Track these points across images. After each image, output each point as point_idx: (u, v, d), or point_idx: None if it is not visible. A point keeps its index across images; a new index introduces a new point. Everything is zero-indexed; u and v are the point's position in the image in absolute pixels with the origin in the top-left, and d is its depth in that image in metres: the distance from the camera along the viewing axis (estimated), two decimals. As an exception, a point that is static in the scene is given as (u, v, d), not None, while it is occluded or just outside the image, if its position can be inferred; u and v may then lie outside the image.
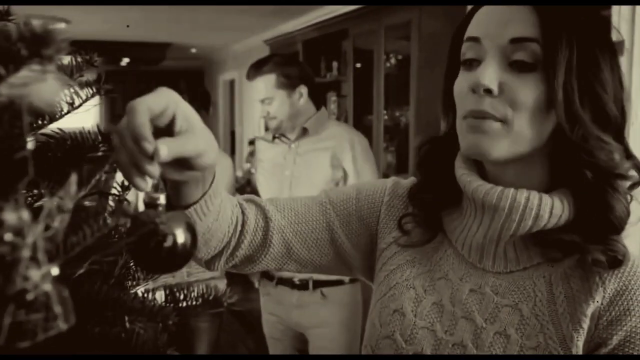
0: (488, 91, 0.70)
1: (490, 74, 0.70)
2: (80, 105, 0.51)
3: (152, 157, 0.51)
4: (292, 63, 2.22)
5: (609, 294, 0.70)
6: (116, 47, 7.45)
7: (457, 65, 0.76)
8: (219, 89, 8.53)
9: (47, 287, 0.28)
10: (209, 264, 0.83)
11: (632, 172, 0.73)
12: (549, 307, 0.72)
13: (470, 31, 0.74)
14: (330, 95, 4.67)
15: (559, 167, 0.75)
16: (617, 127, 0.73)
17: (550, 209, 0.72)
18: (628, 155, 0.74)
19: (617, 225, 0.71)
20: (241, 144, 7.94)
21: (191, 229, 0.51)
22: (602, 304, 0.70)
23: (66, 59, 0.54)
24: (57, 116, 0.49)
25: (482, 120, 0.71)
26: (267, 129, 2.37)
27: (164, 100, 0.55)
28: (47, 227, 0.28)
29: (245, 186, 6.36)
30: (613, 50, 0.72)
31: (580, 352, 0.70)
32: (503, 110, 0.70)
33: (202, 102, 2.35)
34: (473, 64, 0.73)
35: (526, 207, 0.72)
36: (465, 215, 0.80)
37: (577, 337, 0.70)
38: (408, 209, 0.87)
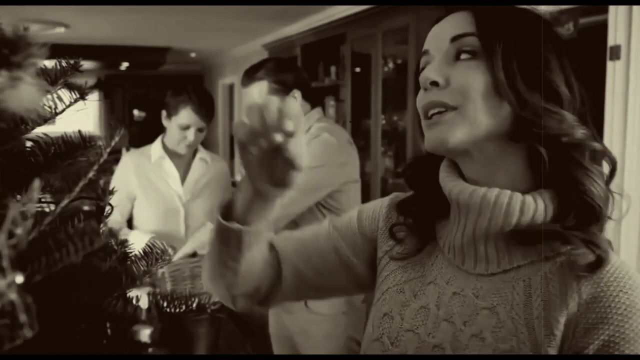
0: (435, 83, 0.75)
1: (434, 69, 0.76)
2: (63, 110, 0.51)
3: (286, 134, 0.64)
4: (285, 68, 2.21)
5: (585, 299, 0.69)
6: (116, 51, 7.46)
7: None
8: (218, 93, 8.53)
9: (12, 295, 0.27)
10: (236, 303, 0.93)
11: (593, 143, 0.74)
12: (526, 310, 0.72)
13: (423, 47, 0.82)
14: (328, 99, 4.67)
15: (535, 162, 0.76)
16: (573, 106, 0.75)
17: (521, 206, 0.73)
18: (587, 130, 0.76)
19: (596, 207, 0.72)
20: (240, 148, 7.94)
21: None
22: (578, 310, 0.69)
23: (50, 64, 0.53)
24: (39, 122, 0.49)
25: (437, 116, 0.75)
26: None
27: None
28: (11, 235, 0.28)
29: (244, 190, 6.36)
30: (557, 39, 0.77)
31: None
32: (454, 98, 0.74)
33: (208, 108, 2.34)
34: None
35: (496, 204, 0.74)
36: (451, 218, 0.82)
37: (547, 343, 0.69)
38: (400, 220, 0.90)
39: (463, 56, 0.75)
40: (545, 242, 0.73)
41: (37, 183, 0.31)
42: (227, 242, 0.81)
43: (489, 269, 0.77)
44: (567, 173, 0.73)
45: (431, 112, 0.76)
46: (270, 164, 0.71)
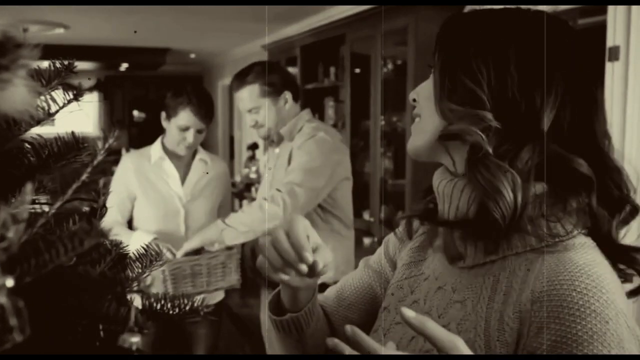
0: (414, 100, 0.85)
1: (416, 87, 0.85)
2: (57, 112, 0.51)
3: (307, 265, 0.71)
4: (273, 70, 2.27)
5: (537, 296, 0.67)
6: (115, 52, 7.47)
7: None
8: (218, 94, 8.53)
9: (2, 299, 0.27)
10: None
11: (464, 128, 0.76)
12: (489, 304, 0.73)
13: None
14: (327, 100, 4.67)
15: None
16: (499, 106, 0.74)
17: (460, 191, 0.76)
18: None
19: (501, 209, 0.70)
20: (240, 148, 7.94)
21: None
22: (531, 307, 0.67)
23: (45, 65, 0.53)
24: (32, 123, 0.49)
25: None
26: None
27: (307, 222, 0.75)
28: (2, 238, 0.28)
29: (243, 191, 6.36)
30: (481, 49, 0.76)
31: (497, 352, 0.69)
32: (417, 110, 0.84)
33: (208, 109, 2.34)
34: None
35: (462, 192, 0.76)
36: None
37: (497, 336, 0.69)
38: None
39: (430, 68, 0.83)
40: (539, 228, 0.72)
41: (29, 187, 0.30)
42: (289, 331, 0.89)
43: (466, 262, 0.79)
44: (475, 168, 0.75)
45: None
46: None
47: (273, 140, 2.30)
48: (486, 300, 0.74)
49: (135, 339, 0.46)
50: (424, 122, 0.82)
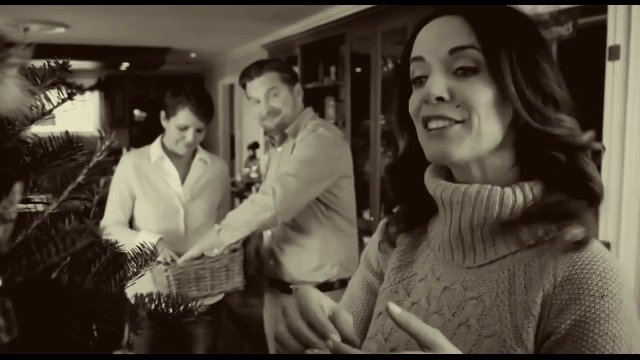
0: (440, 99, 0.76)
1: (438, 84, 0.76)
2: (51, 111, 0.51)
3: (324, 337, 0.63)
4: (283, 63, 2.30)
5: (560, 281, 0.72)
6: (116, 52, 7.47)
7: (407, 86, 0.83)
8: (218, 94, 8.53)
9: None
10: None
11: (594, 143, 0.78)
12: (510, 297, 0.75)
13: (415, 52, 0.81)
14: (328, 100, 4.66)
15: (525, 156, 0.80)
16: (569, 108, 0.78)
17: (501, 199, 0.77)
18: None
19: (599, 192, 0.77)
20: (240, 148, 7.94)
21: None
22: (553, 292, 0.72)
23: (39, 64, 0.53)
24: (26, 123, 0.48)
25: (442, 130, 0.77)
26: (265, 133, 2.38)
27: (316, 292, 0.68)
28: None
29: (244, 190, 6.36)
30: (544, 42, 0.79)
31: (532, 340, 0.72)
32: (459, 113, 0.76)
33: (207, 109, 2.34)
34: (422, 80, 0.79)
35: (477, 199, 0.77)
36: (440, 217, 0.86)
37: (527, 324, 0.72)
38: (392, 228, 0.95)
39: (464, 70, 0.76)
40: (541, 225, 0.76)
41: (18, 187, 0.30)
42: None
43: (477, 261, 0.80)
44: (576, 167, 0.77)
45: (434, 124, 0.77)
46: None
47: (274, 138, 2.28)
48: (506, 294, 0.75)
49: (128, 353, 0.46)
50: (474, 126, 0.75)
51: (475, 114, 0.75)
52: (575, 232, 0.73)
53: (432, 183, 0.82)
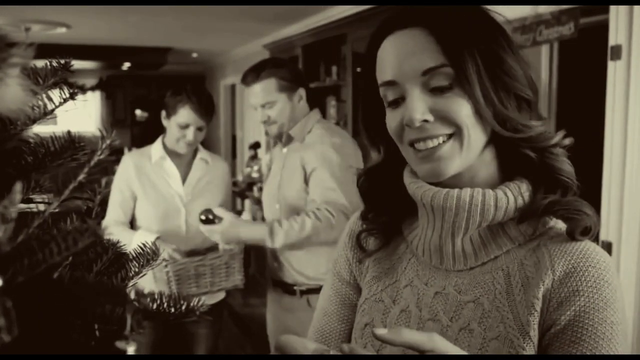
0: (425, 121, 0.75)
1: (419, 107, 0.74)
2: (52, 111, 0.51)
3: None
4: (287, 66, 2.21)
5: (558, 275, 0.74)
6: (117, 52, 7.47)
7: (375, 99, 0.81)
8: (220, 93, 8.53)
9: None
10: None
11: (563, 140, 0.79)
12: (508, 297, 0.76)
13: (384, 74, 0.78)
14: (329, 99, 4.67)
15: (505, 158, 0.80)
16: (535, 99, 0.79)
17: (495, 202, 0.76)
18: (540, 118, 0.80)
19: (568, 182, 0.78)
20: (242, 148, 7.94)
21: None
22: (552, 286, 0.73)
23: (40, 64, 0.53)
24: (27, 122, 0.48)
25: (432, 150, 0.75)
26: (267, 133, 2.36)
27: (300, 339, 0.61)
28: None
29: (245, 190, 6.36)
30: (505, 36, 0.77)
31: (537, 335, 0.73)
32: (446, 128, 0.75)
33: (207, 107, 2.33)
34: (398, 101, 0.77)
35: (471, 204, 0.76)
36: (420, 222, 0.84)
37: (532, 321, 0.73)
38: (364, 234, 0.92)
39: (439, 88, 0.74)
40: (544, 215, 0.78)
41: (18, 186, 0.30)
42: None
43: (468, 263, 0.80)
44: (543, 163, 0.78)
45: (422, 145, 0.76)
46: None
47: (280, 139, 2.23)
48: (504, 294, 0.76)
49: (130, 348, 0.46)
50: (464, 137, 0.75)
51: (463, 126, 0.74)
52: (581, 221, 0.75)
53: (418, 189, 0.80)
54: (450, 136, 0.75)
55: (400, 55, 0.76)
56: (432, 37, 0.74)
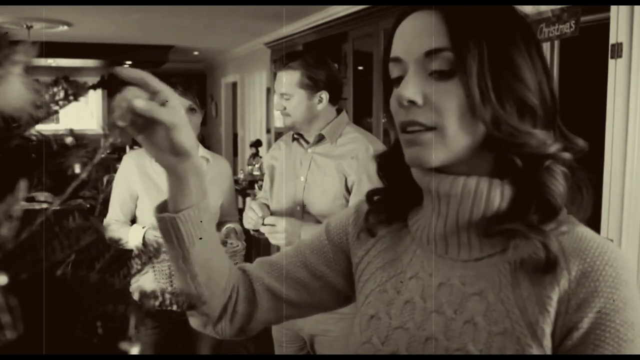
0: (412, 102, 0.73)
1: (411, 87, 0.73)
2: (55, 109, 0.51)
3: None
4: (320, 65, 2.12)
5: (575, 276, 0.70)
6: (119, 50, 7.48)
7: (390, 83, 0.80)
8: (221, 91, 8.53)
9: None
10: (215, 327, 0.92)
11: (561, 154, 0.74)
12: (514, 291, 0.73)
13: (393, 52, 0.78)
14: (330, 97, 4.66)
15: (498, 158, 0.76)
16: (547, 113, 0.75)
17: (501, 192, 0.75)
18: (563, 136, 0.77)
19: (556, 204, 0.73)
20: (243, 146, 7.95)
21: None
22: (569, 287, 0.70)
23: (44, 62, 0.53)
24: (30, 121, 0.49)
25: (416, 134, 0.74)
26: (268, 131, 2.35)
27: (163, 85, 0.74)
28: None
29: (246, 188, 6.37)
30: (527, 38, 0.74)
31: (547, 336, 0.70)
32: (431, 119, 0.73)
33: (193, 91, 2.31)
34: (400, 80, 0.76)
35: (476, 192, 0.75)
36: (426, 210, 0.83)
37: (542, 320, 0.70)
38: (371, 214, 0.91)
39: (438, 73, 0.72)
40: (504, 237, 0.74)
41: (22, 184, 0.30)
42: (167, 236, 0.85)
43: (473, 254, 0.78)
44: (534, 175, 0.74)
45: (409, 128, 0.75)
46: (150, 133, 0.77)
47: (302, 137, 2.18)
48: (510, 288, 0.73)
49: (134, 349, 0.46)
50: (450, 139, 0.73)
51: (447, 121, 0.72)
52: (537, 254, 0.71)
53: (424, 175, 0.79)
54: (433, 129, 0.73)
55: (410, 34, 0.76)
56: (444, 21, 0.72)
